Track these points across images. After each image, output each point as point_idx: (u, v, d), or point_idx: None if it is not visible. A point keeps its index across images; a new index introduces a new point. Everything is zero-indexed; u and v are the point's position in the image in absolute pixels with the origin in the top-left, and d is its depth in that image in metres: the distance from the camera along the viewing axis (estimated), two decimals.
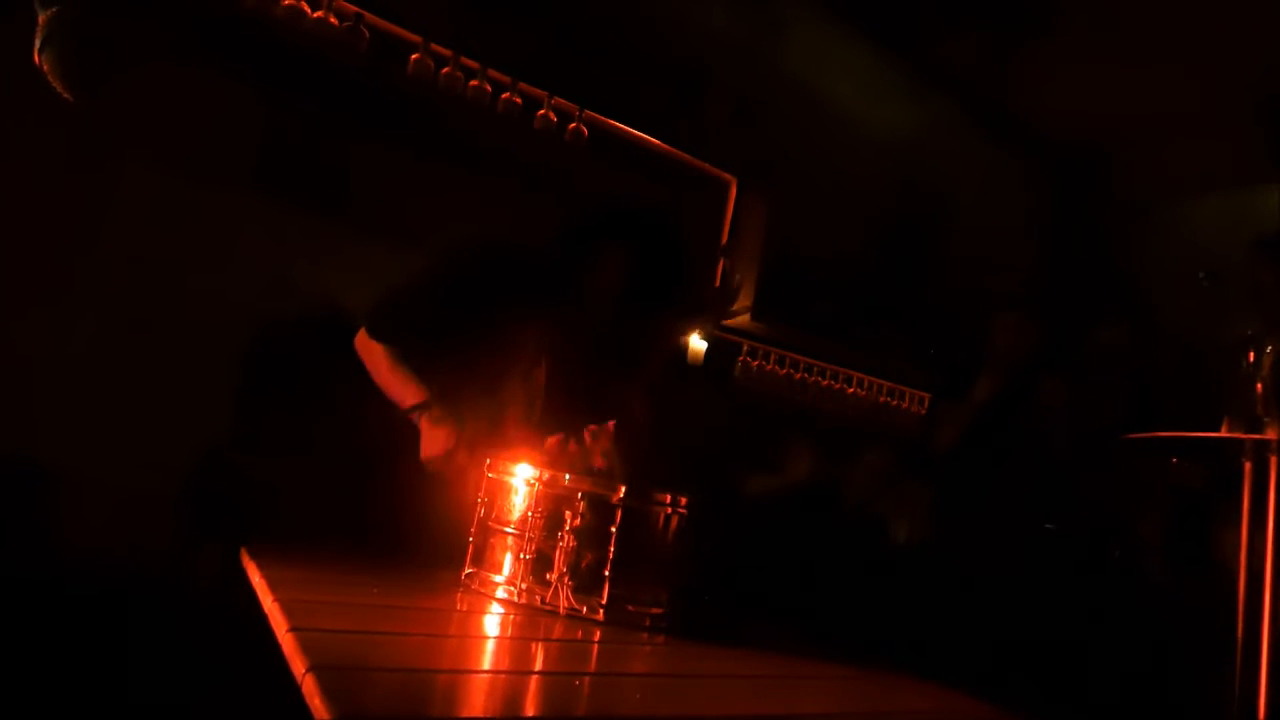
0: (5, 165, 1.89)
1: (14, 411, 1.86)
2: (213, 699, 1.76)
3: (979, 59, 3.53)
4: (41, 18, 1.22)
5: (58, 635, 1.78)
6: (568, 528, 1.18)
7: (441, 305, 1.64)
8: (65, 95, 1.27)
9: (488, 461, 1.39)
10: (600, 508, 1.18)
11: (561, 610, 1.18)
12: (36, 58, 1.25)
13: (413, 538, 1.52)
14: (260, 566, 1.15)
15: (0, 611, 1.71)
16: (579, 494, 1.20)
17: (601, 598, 1.16)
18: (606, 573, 1.16)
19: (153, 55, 1.82)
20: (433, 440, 1.54)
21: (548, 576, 1.19)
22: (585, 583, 1.17)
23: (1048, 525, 2.50)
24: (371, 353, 1.66)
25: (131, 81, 1.81)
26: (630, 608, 1.17)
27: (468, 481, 1.43)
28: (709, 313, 1.93)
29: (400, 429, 1.59)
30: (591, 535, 1.18)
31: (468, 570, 1.30)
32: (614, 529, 1.16)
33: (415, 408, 1.57)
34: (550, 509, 1.21)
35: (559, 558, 1.18)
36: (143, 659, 1.83)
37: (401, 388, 1.60)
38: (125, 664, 1.82)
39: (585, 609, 1.17)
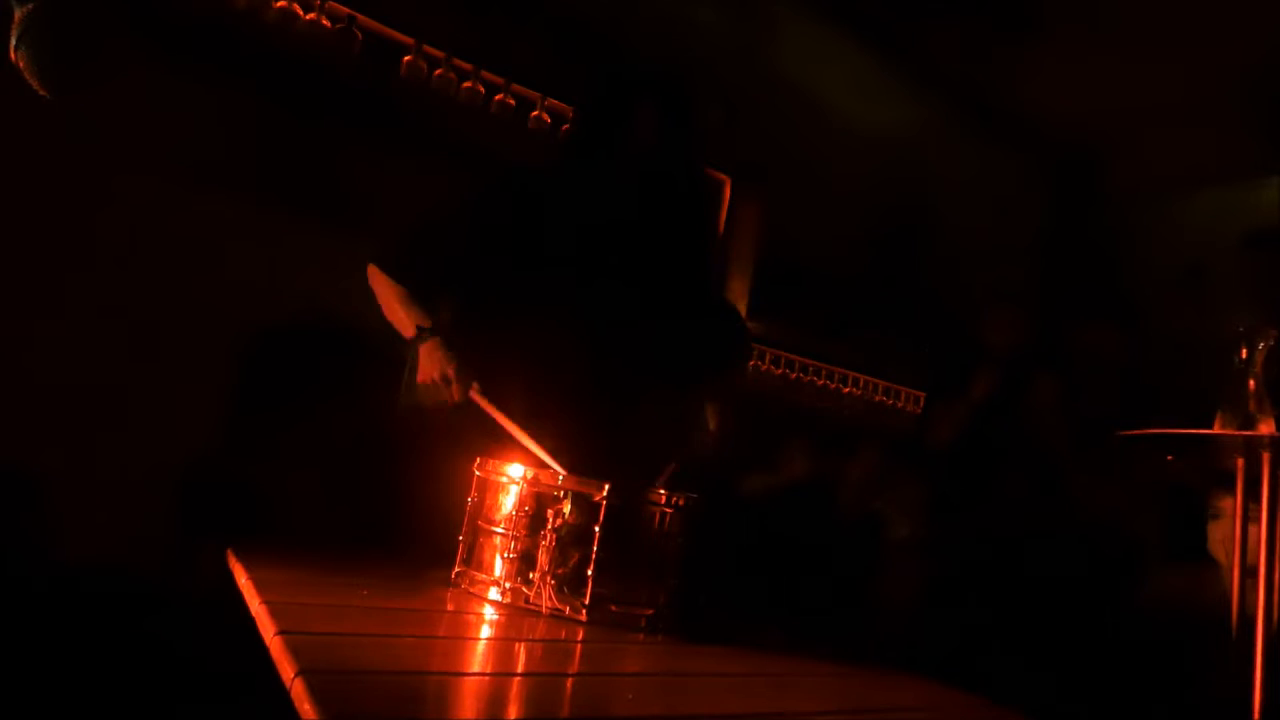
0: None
1: (7, 416, 1.86)
2: (207, 702, 1.76)
3: (970, 55, 3.53)
4: (17, 13, 1.22)
5: (53, 638, 1.78)
6: (550, 526, 1.18)
7: (462, 250, 1.60)
8: (41, 92, 1.26)
9: (476, 391, 1.40)
10: (585, 506, 1.18)
11: (544, 610, 1.17)
12: (13, 54, 1.24)
13: (403, 537, 1.51)
14: (248, 568, 1.14)
15: None
16: (562, 492, 1.20)
17: (585, 597, 1.15)
18: (589, 571, 1.15)
19: (135, 54, 1.81)
20: (428, 366, 1.50)
21: (531, 575, 1.19)
22: (571, 582, 1.17)
23: (1051, 525, 2.50)
24: (379, 284, 1.63)
25: (122, 84, 1.81)
26: (614, 607, 1.17)
27: (454, 419, 1.43)
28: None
29: (390, 430, 1.58)
30: (577, 534, 1.18)
31: (457, 569, 1.30)
32: (597, 527, 1.16)
33: (414, 338, 1.54)
34: (536, 507, 1.21)
35: (542, 557, 1.18)
36: (137, 662, 1.83)
37: (407, 313, 1.57)
38: (120, 667, 1.82)
39: (568, 609, 1.17)
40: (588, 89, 1.72)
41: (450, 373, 1.47)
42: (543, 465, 1.29)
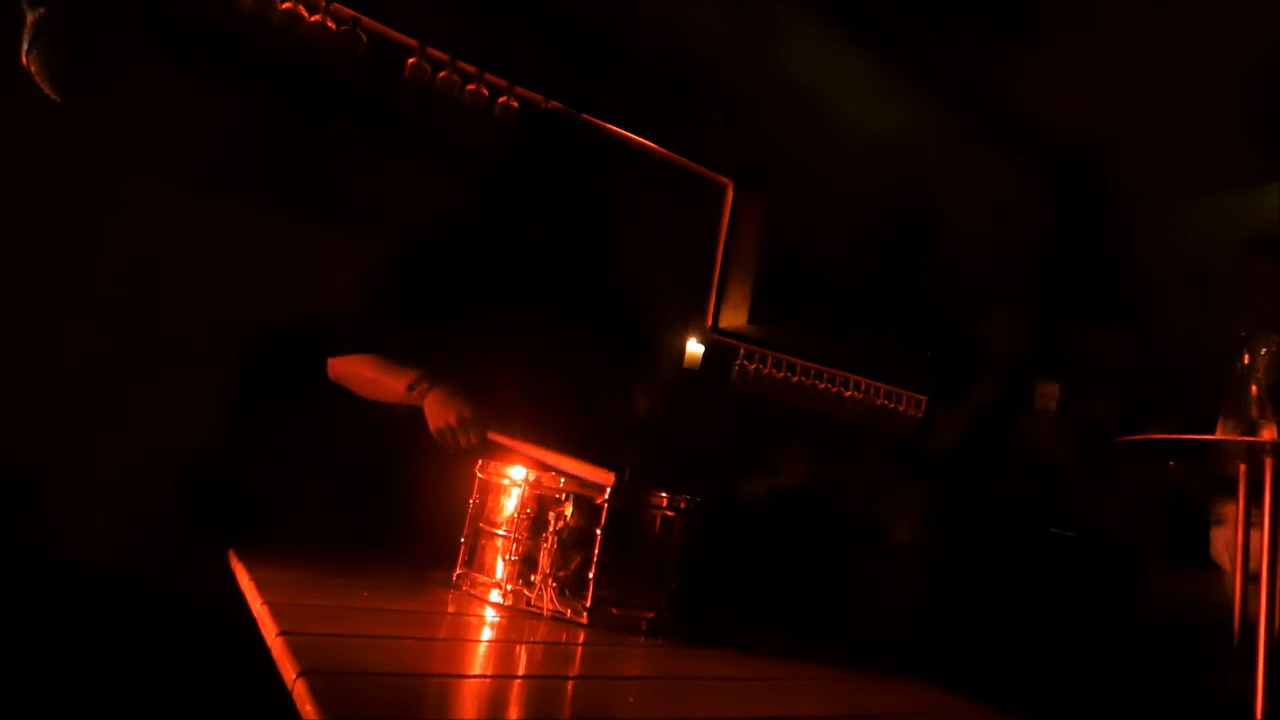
0: (3, 171, 1.89)
1: (11, 415, 1.86)
2: (208, 703, 1.76)
3: (972, 59, 3.54)
4: (29, 18, 1.23)
5: (54, 639, 1.78)
6: (552, 528, 1.18)
7: (399, 300, 1.58)
8: (52, 96, 1.27)
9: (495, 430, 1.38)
10: (586, 508, 1.19)
11: (546, 613, 1.18)
12: (24, 59, 1.25)
13: (404, 538, 1.51)
14: (249, 569, 1.14)
15: None
16: (564, 495, 1.20)
17: (586, 600, 1.16)
18: (591, 574, 1.16)
19: (144, 58, 1.82)
20: (440, 411, 1.43)
21: (533, 578, 1.19)
22: (572, 585, 1.17)
23: (1053, 530, 2.49)
24: (348, 367, 1.57)
25: (128, 86, 1.82)
26: (615, 610, 1.17)
27: (480, 452, 1.37)
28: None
29: (392, 431, 1.58)
30: (578, 536, 1.18)
31: (458, 571, 1.30)
32: (599, 530, 1.16)
33: (412, 385, 1.46)
34: (538, 510, 1.21)
35: (543, 559, 1.18)
36: (138, 662, 1.83)
37: (392, 376, 1.48)
38: (120, 667, 1.82)
39: (570, 611, 1.17)
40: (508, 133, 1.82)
41: (467, 414, 1.41)
42: (589, 485, 1.22)
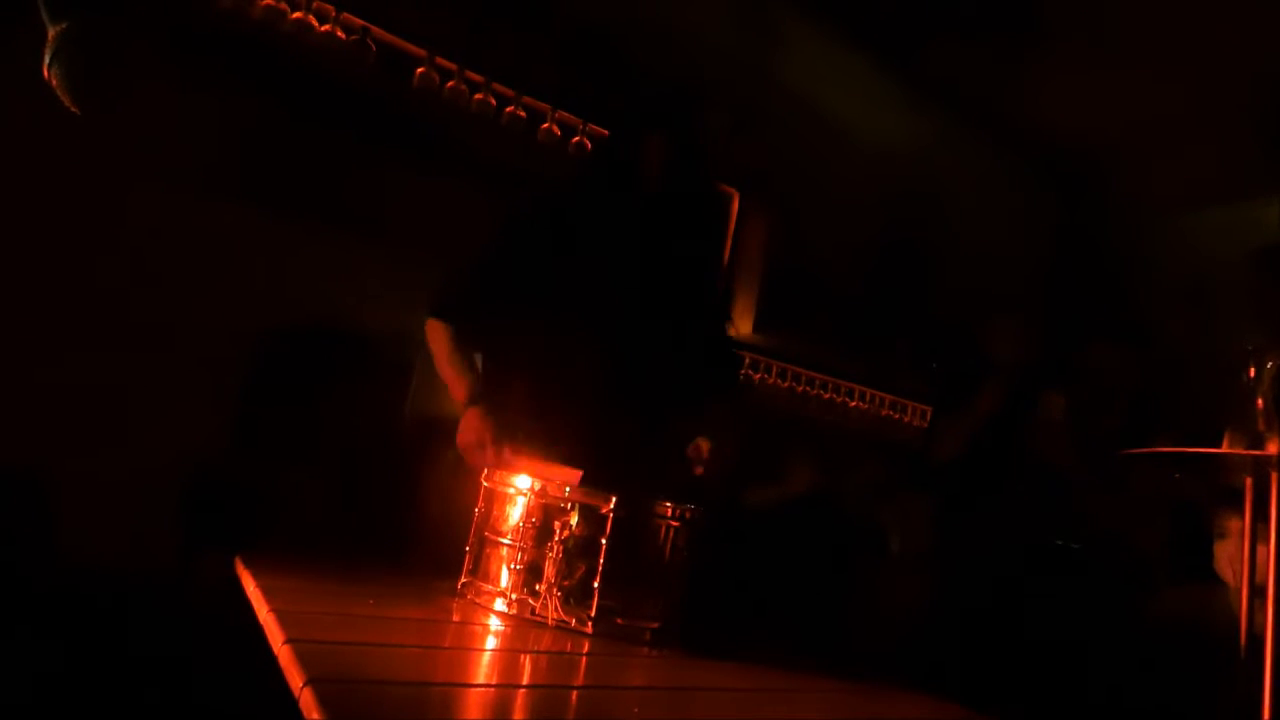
0: (11, 177, 1.91)
1: (14, 418, 1.87)
2: (211, 708, 1.76)
3: (977, 70, 3.54)
4: (51, 32, 1.24)
5: (57, 643, 1.78)
6: (557, 538, 1.18)
7: (497, 272, 1.65)
8: (73, 109, 1.29)
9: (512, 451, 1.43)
10: (591, 518, 1.19)
11: (550, 622, 1.18)
12: (46, 72, 1.27)
13: (410, 546, 1.52)
14: (255, 576, 1.15)
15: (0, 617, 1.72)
16: (569, 504, 1.20)
17: (591, 609, 1.16)
18: (596, 583, 1.16)
19: (161, 70, 1.84)
20: (467, 428, 1.54)
21: (538, 587, 1.19)
22: (577, 594, 1.17)
23: (1059, 541, 2.49)
24: (434, 336, 1.67)
25: (140, 95, 1.83)
26: (620, 620, 1.17)
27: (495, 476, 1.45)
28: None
29: (398, 439, 1.59)
30: (584, 546, 1.18)
31: (463, 580, 1.30)
32: (604, 539, 1.17)
33: (465, 401, 1.57)
34: (543, 519, 1.22)
35: (548, 568, 1.18)
36: (142, 668, 1.83)
37: (455, 380, 1.61)
38: (124, 673, 1.82)
39: (574, 621, 1.17)
40: (604, 121, 1.81)
41: (488, 439, 1.49)
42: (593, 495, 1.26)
